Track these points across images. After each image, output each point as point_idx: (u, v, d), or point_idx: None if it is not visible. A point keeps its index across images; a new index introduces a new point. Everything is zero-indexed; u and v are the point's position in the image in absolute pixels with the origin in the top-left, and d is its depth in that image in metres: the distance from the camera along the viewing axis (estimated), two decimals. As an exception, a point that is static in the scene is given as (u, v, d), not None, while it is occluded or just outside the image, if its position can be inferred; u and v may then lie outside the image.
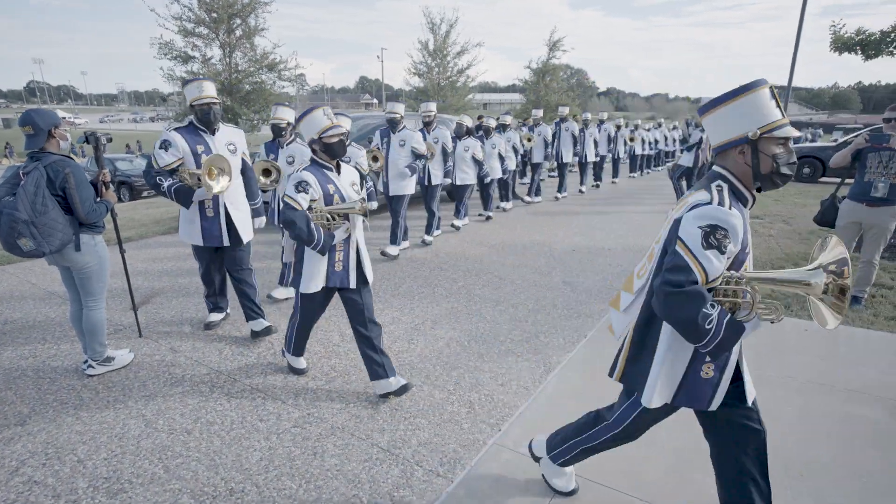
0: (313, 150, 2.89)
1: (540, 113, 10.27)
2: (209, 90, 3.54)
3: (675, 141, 17.77)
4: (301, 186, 2.74)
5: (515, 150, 8.90)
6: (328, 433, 2.71)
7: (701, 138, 8.98)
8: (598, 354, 3.65)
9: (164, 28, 11.38)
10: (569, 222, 8.25)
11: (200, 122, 3.55)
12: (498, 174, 8.23)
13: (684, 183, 9.28)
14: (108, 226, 4.35)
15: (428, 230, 6.75)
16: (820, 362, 3.49)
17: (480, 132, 8.19)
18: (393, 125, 5.97)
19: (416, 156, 5.97)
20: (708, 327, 1.51)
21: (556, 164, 10.54)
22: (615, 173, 13.68)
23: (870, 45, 6.86)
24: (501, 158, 8.19)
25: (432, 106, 6.75)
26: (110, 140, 3.65)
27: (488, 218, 8.25)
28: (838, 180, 4.73)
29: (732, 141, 1.66)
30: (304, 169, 2.84)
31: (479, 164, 7.32)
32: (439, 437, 2.69)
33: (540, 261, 5.96)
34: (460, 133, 7.31)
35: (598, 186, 12.34)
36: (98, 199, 3.11)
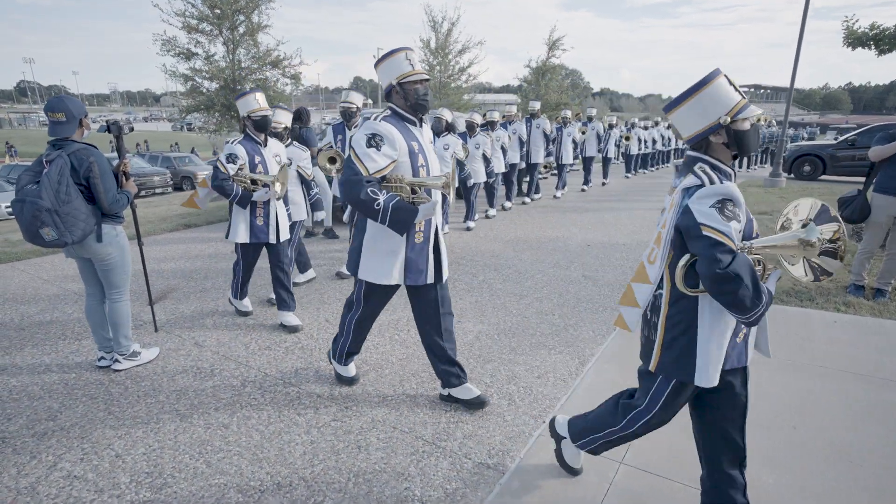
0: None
1: (513, 109, 9.18)
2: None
3: (672, 140, 17.70)
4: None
5: (504, 151, 8.05)
6: (369, 426, 2.65)
7: None
8: (630, 346, 3.61)
9: (168, 24, 11.28)
10: (580, 219, 8.22)
11: (412, 109, 2.50)
12: (482, 178, 7.28)
13: None
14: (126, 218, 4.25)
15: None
16: (850, 351, 3.46)
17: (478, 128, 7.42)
18: (348, 118, 5.15)
19: None
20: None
21: (524, 165, 9.36)
22: (605, 174, 12.82)
23: (884, 40, 6.88)
24: (487, 160, 7.34)
25: (354, 98, 5.45)
26: (132, 129, 3.57)
27: (468, 228, 7.29)
28: (845, 177, 4.72)
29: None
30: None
31: (460, 164, 6.35)
32: (484, 430, 2.64)
33: (557, 256, 5.92)
34: (439, 129, 6.34)
35: (584, 190, 11.45)
36: (119, 190, 3.04)
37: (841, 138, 14.73)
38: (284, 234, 3.84)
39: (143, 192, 17.66)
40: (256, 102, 3.61)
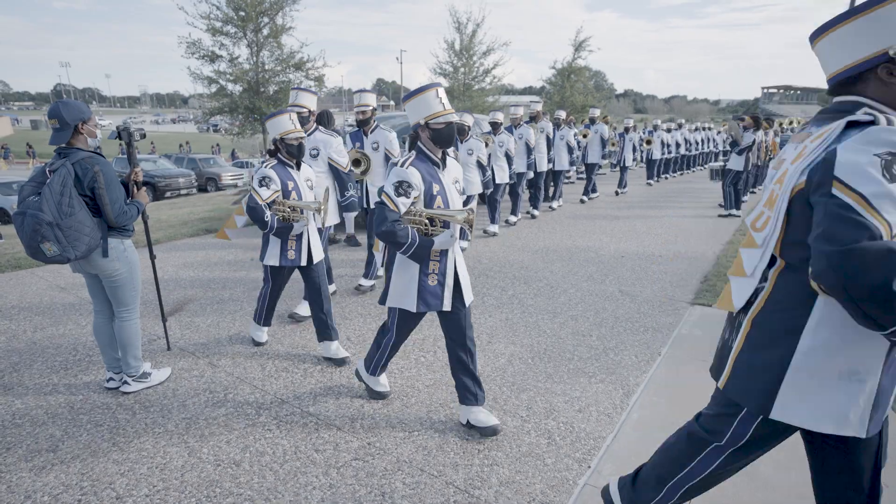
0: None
1: (520, 111, 7.84)
2: None
3: (700, 143, 16.87)
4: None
5: (509, 159, 6.96)
6: (394, 468, 2.39)
7: (754, 140, 8.51)
8: (678, 374, 3.28)
9: (193, 27, 11.29)
10: (611, 227, 7.85)
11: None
12: (475, 189, 6.12)
13: (737, 188, 8.78)
14: (137, 227, 4.07)
15: (367, 272, 4.86)
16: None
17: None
18: (302, 121, 4.21)
19: (337, 173, 4.37)
20: None
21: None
22: (621, 182, 11.51)
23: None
24: (483, 169, 6.19)
25: (369, 98, 4.86)
26: (143, 136, 3.38)
27: (493, 235, 6.91)
28: None
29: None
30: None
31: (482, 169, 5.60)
32: (521, 475, 2.35)
33: (590, 268, 5.59)
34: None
35: (583, 201, 10.19)
36: (129, 201, 2.84)
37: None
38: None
39: (168, 194, 17.86)
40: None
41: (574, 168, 11.06)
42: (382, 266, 2.67)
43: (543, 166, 8.31)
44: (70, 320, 4.07)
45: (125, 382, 2.99)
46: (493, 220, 7.13)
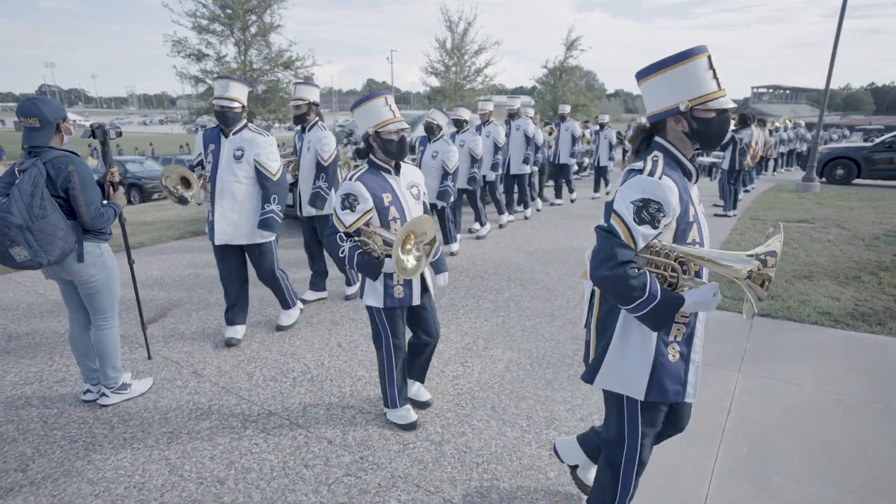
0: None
1: (489, 106, 6.96)
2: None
3: None
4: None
5: (473, 159, 6.13)
6: (389, 484, 2.25)
7: (733, 138, 8.49)
8: (682, 381, 3.17)
9: (179, 25, 11.07)
10: (605, 226, 7.74)
11: None
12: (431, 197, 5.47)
13: (734, 186, 8.75)
14: (115, 231, 3.92)
15: (348, 278, 4.56)
16: (946, 392, 2.99)
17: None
18: (232, 118, 3.41)
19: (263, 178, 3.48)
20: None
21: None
22: (595, 185, 10.59)
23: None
24: (446, 174, 5.41)
25: (303, 91, 4.16)
26: (120, 134, 3.18)
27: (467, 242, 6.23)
28: (881, 181, 4.18)
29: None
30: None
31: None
32: (524, 491, 2.23)
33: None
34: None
35: (553, 204, 9.53)
36: (105, 202, 2.68)
37: (877, 140, 14.07)
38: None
39: (155, 196, 17.54)
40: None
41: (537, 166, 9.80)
42: (586, 327, 1.96)
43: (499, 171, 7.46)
44: (46, 328, 3.89)
45: (103, 394, 2.83)
46: (480, 222, 6.84)
